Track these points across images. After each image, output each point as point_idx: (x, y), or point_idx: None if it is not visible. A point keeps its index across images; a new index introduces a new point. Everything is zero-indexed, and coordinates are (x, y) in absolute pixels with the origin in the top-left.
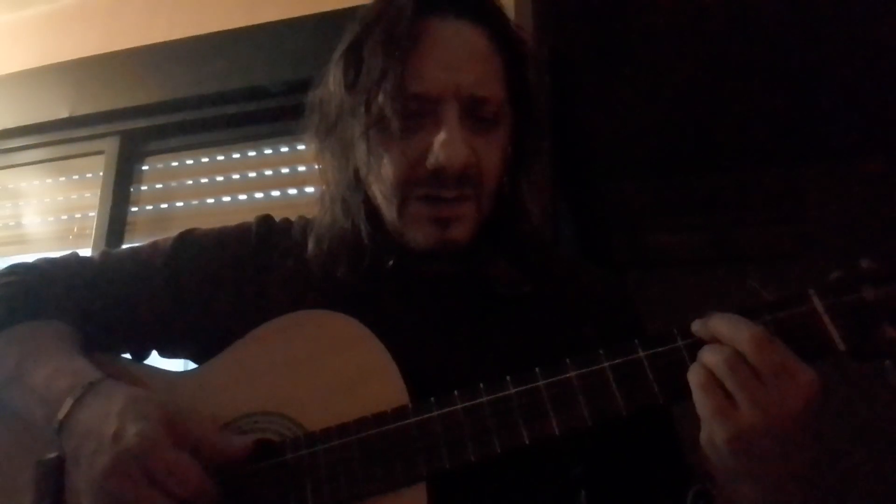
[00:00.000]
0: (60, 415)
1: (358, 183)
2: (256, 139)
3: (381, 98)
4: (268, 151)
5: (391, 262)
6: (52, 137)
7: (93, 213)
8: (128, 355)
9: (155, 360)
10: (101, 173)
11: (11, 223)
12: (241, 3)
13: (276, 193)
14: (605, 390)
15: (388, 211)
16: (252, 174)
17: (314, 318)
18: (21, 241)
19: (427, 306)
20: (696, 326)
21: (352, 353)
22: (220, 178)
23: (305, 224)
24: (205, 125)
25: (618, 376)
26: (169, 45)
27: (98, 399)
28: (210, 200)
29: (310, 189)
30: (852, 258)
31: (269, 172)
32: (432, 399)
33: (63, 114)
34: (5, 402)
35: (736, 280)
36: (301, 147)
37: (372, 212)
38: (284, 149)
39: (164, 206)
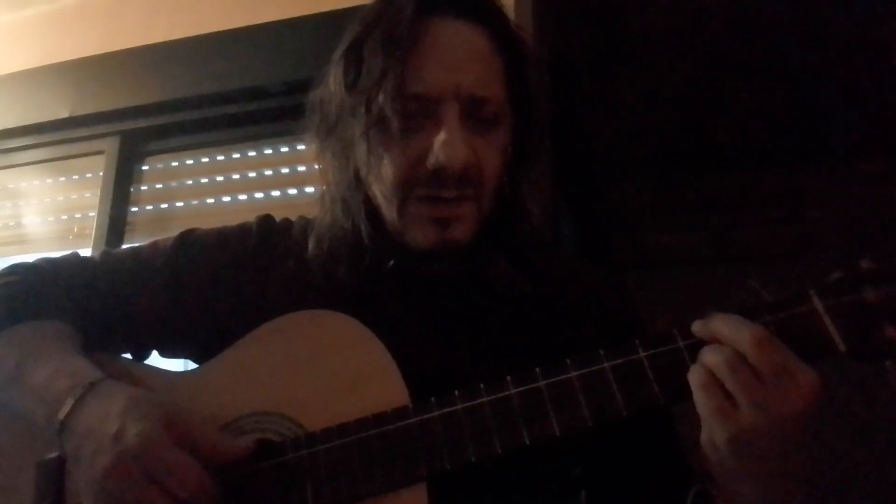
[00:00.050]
0: (61, 415)
1: (358, 183)
2: (256, 139)
3: (381, 98)
4: (268, 151)
5: (391, 263)
6: (52, 137)
7: (93, 213)
8: (128, 355)
9: (155, 360)
10: (101, 173)
11: (11, 223)
12: (241, 3)
13: (276, 193)
14: (606, 390)
15: (389, 211)
16: (252, 174)
17: (314, 318)
18: (21, 241)
19: (427, 306)
20: (697, 327)
21: (352, 353)
22: (220, 178)
23: (306, 224)
24: (205, 125)
25: (618, 376)
26: (169, 45)
27: (98, 399)
28: (210, 200)
29: (310, 189)
30: (852, 258)
31: (269, 172)
32: (433, 399)
33: (63, 114)
34: (6, 403)
35: (736, 280)
36: (301, 147)
37: (372, 212)
38: (284, 149)
39: (164, 206)
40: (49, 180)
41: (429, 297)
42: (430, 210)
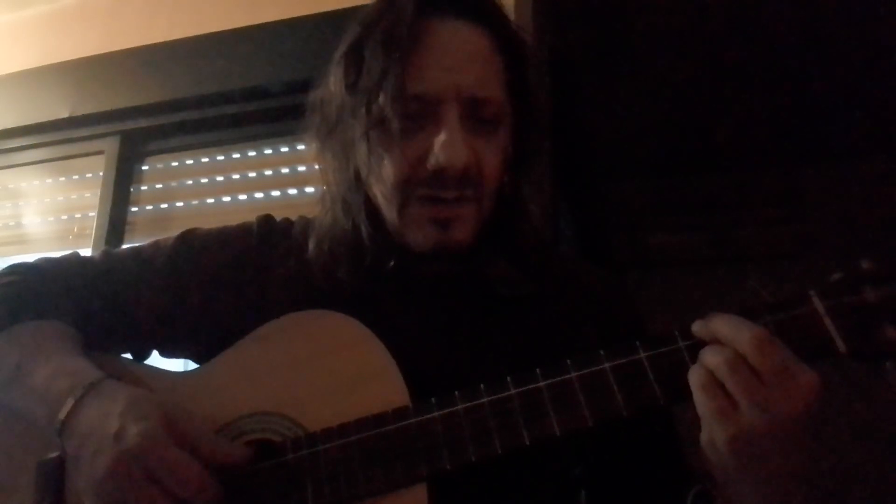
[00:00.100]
0: (61, 415)
1: (358, 183)
2: (256, 139)
3: (381, 99)
4: (268, 151)
5: (392, 263)
6: (52, 137)
7: (93, 213)
8: (128, 355)
9: (155, 360)
10: (101, 173)
11: (11, 223)
12: (241, 3)
13: (276, 193)
14: (606, 391)
15: (389, 212)
16: (252, 174)
17: (315, 318)
18: (21, 241)
19: (428, 307)
20: (697, 327)
21: (352, 353)
22: (220, 178)
23: (306, 224)
24: (205, 125)
25: (618, 377)
26: (169, 45)
27: (99, 399)
28: (210, 200)
29: (310, 189)
30: (852, 258)
31: (269, 172)
32: (433, 399)
33: (63, 114)
34: (6, 403)
35: (736, 280)
36: (301, 147)
37: (372, 212)
38: (284, 149)
39: (164, 206)
40: (49, 180)
41: (429, 298)
42: (430, 211)
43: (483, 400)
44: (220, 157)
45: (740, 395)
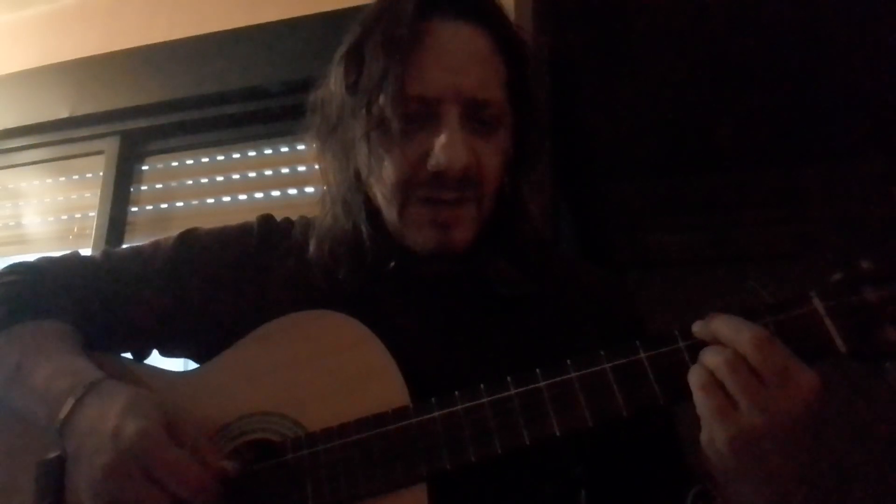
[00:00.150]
0: (62, 415)
1: (359, 184)
2: (256, 139)
3: (381, 100)
4: (268, 151)
5: (392, 263)
6: (52, 137)
7: (93, 213)
8: (128, 355)
9: (155, 359)
10: (101, 173)
11: (11, 223)
12: (241, 3)
13: (276, 193)
14: (606, 391)
15: (389, 212)
16: (252, 174)
17: (315, 318)
18: (21, 241)
19: (428, 307)
20: (697, 327)
21: (353, 353)
22: (220, 178)
23: (306, 224)
24: (205, 125)
25: (619, 377)
26: (169, 45)
27: (99, 399)
28: (210, 200)
29: (310, 189)
30: (852, 258)
31: (269, 172)
32: (433, 399)
33: (63, 114)
34: (6, 403)
35: (736, 280)
36: (301, 147)
37: (373, 213)
38: (284, 149)
39: (164, 206)
40: (49, 180)
41: (429, 298)
42: (430, 212)
43: (483, 400)
44: (220, 157)
45: (740, 396)
